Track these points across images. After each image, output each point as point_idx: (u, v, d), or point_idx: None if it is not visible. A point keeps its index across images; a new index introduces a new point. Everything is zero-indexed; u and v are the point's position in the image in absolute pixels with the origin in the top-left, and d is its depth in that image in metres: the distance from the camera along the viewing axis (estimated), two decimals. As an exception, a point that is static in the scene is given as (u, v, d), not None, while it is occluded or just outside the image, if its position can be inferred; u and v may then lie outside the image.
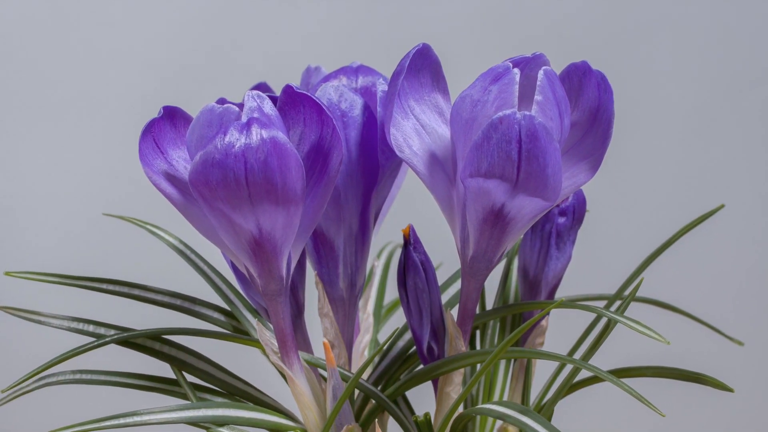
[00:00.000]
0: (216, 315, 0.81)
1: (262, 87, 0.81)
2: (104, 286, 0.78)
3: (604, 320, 0.75)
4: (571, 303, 0.73)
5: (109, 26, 1.42)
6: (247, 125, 0.64)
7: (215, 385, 0.78)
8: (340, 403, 0.67)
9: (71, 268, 1.39)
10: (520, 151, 0.64)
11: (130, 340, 0.76)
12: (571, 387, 0.80)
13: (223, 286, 0.83)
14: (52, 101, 1.42)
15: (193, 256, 0.85)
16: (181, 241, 0.85)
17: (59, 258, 1.42)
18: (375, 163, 0.76)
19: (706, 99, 1.53)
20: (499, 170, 0.65)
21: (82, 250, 1.43)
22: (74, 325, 0.77)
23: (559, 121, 0.66)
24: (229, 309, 0.81)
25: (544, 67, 0.66)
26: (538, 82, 0.65)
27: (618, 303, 0.82)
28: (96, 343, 0.74)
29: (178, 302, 0.80)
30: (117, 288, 0.78)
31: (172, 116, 0.70)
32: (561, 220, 0.77)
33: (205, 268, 0.84)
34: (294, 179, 0.65)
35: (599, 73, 0.69)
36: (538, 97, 0.65)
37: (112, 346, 0.76)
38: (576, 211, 0.77)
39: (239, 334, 0.80)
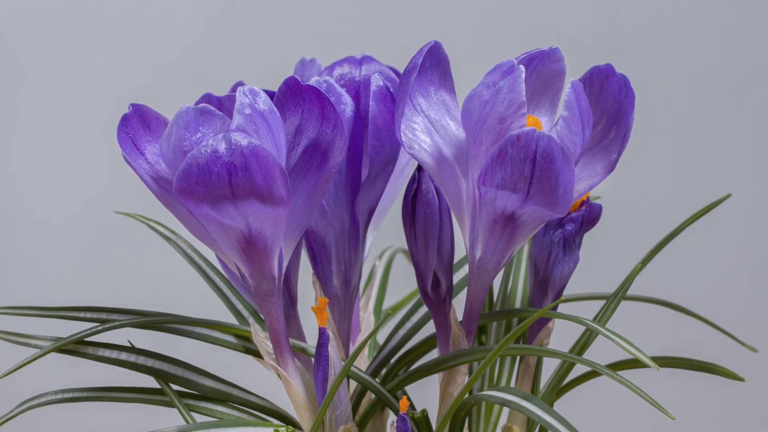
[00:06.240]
0: (199, 329, 0.79)
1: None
2: (82, 314, 0.77)
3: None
4: (557, 313, 0.72)
5: (110, 25, 1.44)
6: (228, 138, 0.62)
7: (201, 392, 0.77)
8: (336, 385, 0.67)
9: (71, 270, 1.41)
10: (534, 170, 0.65)
11: (66, 347, 0.75)
12: (571, 383, 0.80)
13: (223, 286, 0.83)
14: (49, 104, 1.43)
15: (197, 258, 0.85)
16: (179, 236, 0.85)
17: (59, 260, 1.42)
18: (361, 158, 0.76)
19: (709, 96, 1.53)
20: (511, 184, 0.66)
21: (84, 251, 1.43)
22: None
23: (582, 135, 0.67)
24: (212, 320, 0.80)
25: (571, 80, 0.66)
26: (565, 97, 0.66)
27: (623, 302, 0.81)
28: (36, 355, 0.73)
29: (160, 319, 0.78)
30: (96, 315, 0.77)
31: (142, 115, 0.69)
32: (570, 227, 0.77)
33: (209, 271, 0.84)
34: (279, 186, 0.65)
35: (622, 76, 0.69)
36: (564, 113, 0.66)
37: (99, 364, 0.76)
38: (585, 220, 0.77)
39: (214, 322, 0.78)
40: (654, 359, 0.77)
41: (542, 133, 0.64)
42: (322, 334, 0.70)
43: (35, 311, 0.77)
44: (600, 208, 0.77)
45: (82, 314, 0.77)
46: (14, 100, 1.44)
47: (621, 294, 0.73)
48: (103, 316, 0.77)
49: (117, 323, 0.75)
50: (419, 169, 0.73)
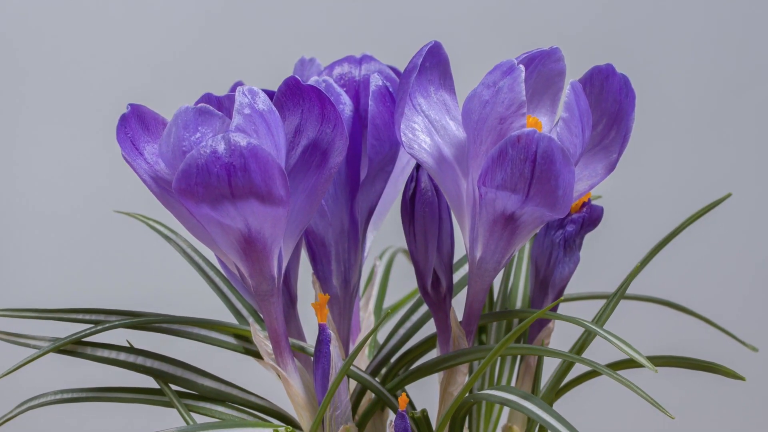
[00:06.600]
0: (197, 330, 0.79)
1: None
2: (80, 316, 0.77)
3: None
4: (555, 314, 0.72)
5: (111, 25, 1.43)
6: (227, 138, 0.62)
7: (201, 392, 0.77)
8: (336, 383, 0.66)
9: (71, 269, 1.41)
10: (534, 170, 0.65)
11: (64, 348, 0.75)
12: (571, 382, 0.80)
13: (223, 285, 0.83)
14: (49, 104, 1.43)
15: (197, 257, 0.85)
16: (178, 235, 0.85)
17: (59, 260, 1.42)
18: (359, 158, 0.76)
19: (709, 96, 1.53)
20: (511, 184, 0.66)
21: (84, 250, 1.43)
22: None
23: (582, 136, 0.67)
24: (211, 320, 0.79)
25: (571, 81, 0.66)
26: (565, 98, 0.66)
27: (625, 302, 0.80)
28: (34, 356, 0.73)
29: (160, 324, 0.78)
30: (95, 317, 0.77)
31: (140, 115, 0.68)
32: (570, 228, 0.76)
33: (209, 270, 0.84)
34: (278, 186, 0.64)
35: (623, 76, 0.69)
36: (564, 114, 0.66)
37: (99, 364, 0.75)
38: (585, 221, 0.77)
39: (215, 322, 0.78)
40: (654, 358, 0.77)
41: (542, 134, 0.63)
42: (322, 331, 0.70)
43: (34, 313, 0.77)
44: (601, 210, 0.76)
45: (80, 316, 0.77)
46: (15, 100, 1.44)
47: (619, 294, 0.73)
48: (102, 317, 0.77)
49: (116, 323, 0.74)
50: (417, 167, 0.72)
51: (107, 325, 0.74)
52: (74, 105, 1.44)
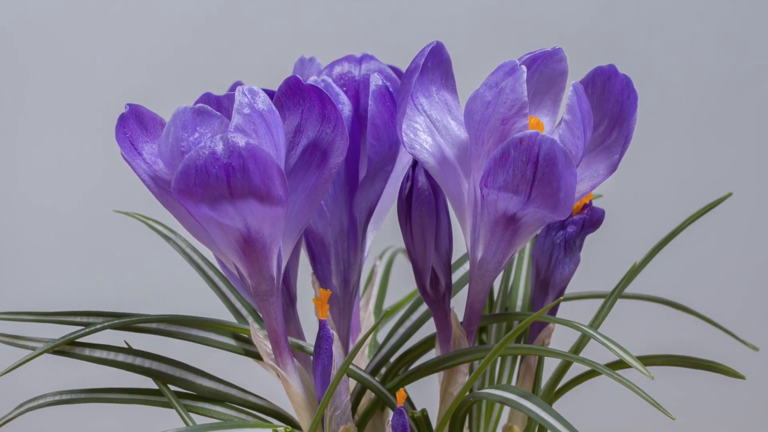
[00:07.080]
0: (197, 332, 0.78)
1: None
2: (78, 319, 0.77)
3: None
4: (552, 317, 0.72)
5: (111, 24, 1.43)
6: (225, 139, 0.62)
7: (199, 393, 0.77)
8: (336, 381, 0.66)
9: (70, 269, 1.41)
10: (536, 172, 0.65)
11: (61, 349, 0.75)
12: (571, 382, 0.80)
13: (222, 285, 0.83)
14: (50, 103, 1.43)
15: (196, 257, 0.85)
16: (178, 235, 0.85)
17: (58, 259, 1.42)
18: (358, 158, 0.75)
19: (709, 96, 1.53)
20: (513, 186, 0.66)
21: (83, 250, 1.43)
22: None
23: (583, 137, 0.67)
24: (211, 319, 0.79)
25: (573, 83, 0.66)
26: (567, 101, 0.66)
27: (625, 301, 0.80)
28: (28, 357, 0.73)
29: (158, 326, 0.77)
30: (92, 320, 0.77)
31: (139, 115, 0.68)
32: (571, 229, 0.76)
33: (208, 270, 0.84)
34: (277, 186, 0.64)
35: (625, 77, 0.69)
36: (566, 116, 0.66)
37: (94, 365, 0.75)
38: (586, 223, 0.77)
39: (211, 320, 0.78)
40: (654, 357, 0.77)
41: (545, 136, 0.63)
42: (323, 327, 0.70)
43: (31, 316, 0.77)
44: (602, 212, 0.76)
45: (78, 318, 0.76)
46: (15, 99, 1.44)
47: (616, 294, 0.72)
48: (99, 320, 0.77)
49: (107, 324, 0.74)
50: (414, 166, 0.72)
51: (102, 325, 0.74)
52: (74, 105, 1.44)
